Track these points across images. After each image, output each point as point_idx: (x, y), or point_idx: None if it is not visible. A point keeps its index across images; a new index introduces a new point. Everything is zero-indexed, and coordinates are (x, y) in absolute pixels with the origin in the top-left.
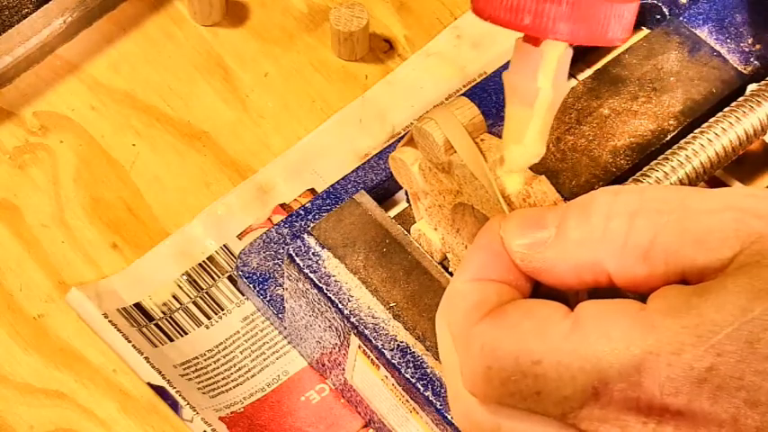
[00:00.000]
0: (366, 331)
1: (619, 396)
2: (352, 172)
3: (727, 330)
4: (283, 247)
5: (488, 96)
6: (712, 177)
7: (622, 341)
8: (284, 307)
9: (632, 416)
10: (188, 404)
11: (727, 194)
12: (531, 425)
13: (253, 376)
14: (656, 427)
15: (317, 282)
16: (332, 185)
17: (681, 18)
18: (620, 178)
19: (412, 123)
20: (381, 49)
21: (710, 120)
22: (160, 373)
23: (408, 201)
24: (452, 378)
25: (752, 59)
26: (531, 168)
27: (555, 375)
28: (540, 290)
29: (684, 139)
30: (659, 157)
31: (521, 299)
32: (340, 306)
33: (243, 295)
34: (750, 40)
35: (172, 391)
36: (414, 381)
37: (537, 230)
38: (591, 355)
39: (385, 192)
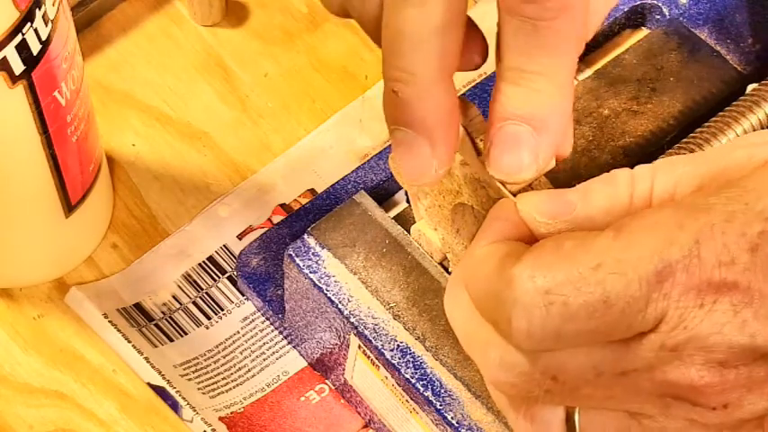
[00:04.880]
0: (366, 331)
1: (681, 276)
2: (352, 172)
3: None
4: (283, 247)
5: (488, 96)
6: None
7: (674, 222)
8: (284, 307)
9: (692, 298)
10: (188, 404)
11: (735, 140)
12: (585, 356)
13: (253, 376)
14: (713, 307)
15: (316, 282)
16: (332, 185)
17: (681, 18)
18: None
19: None
20: None
21: (710, 120)
22: (160, 373)
23: (408, 201)
24: (481, 347)
25: (752, 59)
26: None
27: (616, 273)
28: None
29: (684, 139)
30: (659, 157)
31: None
32: (340, 306)
33: (243, 295)
34: (750, 40)
35: (172, 392)
36: (414, 381)
37: (561, 200)
38: (645, 245)
39: (385, 192)
